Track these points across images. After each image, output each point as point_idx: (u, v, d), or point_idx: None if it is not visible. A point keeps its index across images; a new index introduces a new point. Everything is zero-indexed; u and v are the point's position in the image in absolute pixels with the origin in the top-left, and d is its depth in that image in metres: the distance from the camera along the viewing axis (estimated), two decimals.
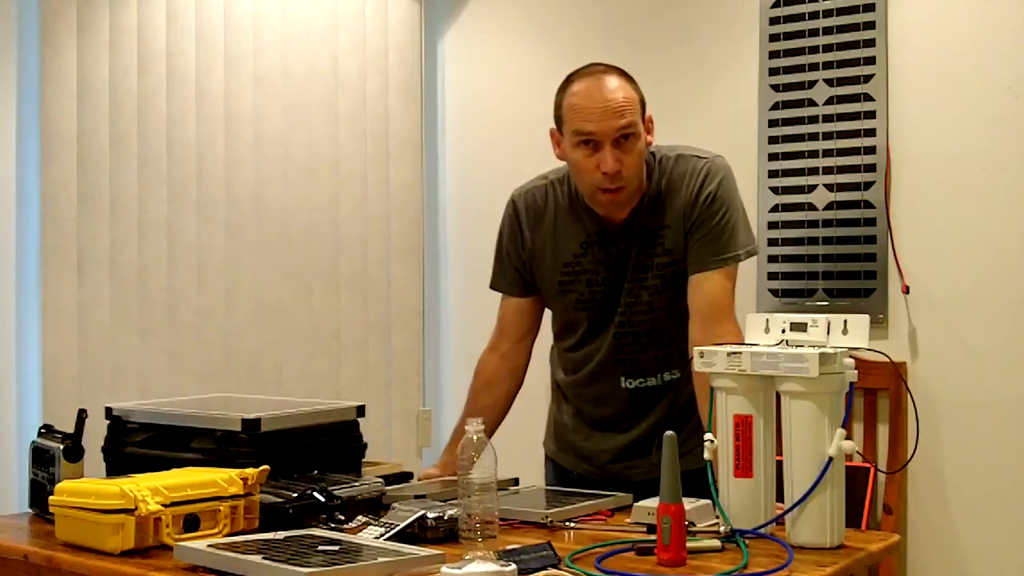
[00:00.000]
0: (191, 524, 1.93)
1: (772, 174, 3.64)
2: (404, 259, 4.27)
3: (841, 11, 3.53)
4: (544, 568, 1.73)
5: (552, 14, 4.20)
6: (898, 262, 3.44)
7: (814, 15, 3.57)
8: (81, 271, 3.61)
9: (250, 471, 2.01)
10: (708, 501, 2.04)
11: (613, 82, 2.35)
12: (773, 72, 3.65)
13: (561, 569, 1.74)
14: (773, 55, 3.65)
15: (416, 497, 2.13)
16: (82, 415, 2.26)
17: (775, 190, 3.64)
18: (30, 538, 2.08)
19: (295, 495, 2.05)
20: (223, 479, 1.98)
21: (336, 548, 1.79)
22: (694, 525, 1.96)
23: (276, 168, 4.00)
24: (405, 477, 2.42)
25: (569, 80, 2.40)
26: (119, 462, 2.30)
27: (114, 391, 3.60)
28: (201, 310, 3.83)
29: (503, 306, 2.63)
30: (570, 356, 2.57)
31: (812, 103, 3.57)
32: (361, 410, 2.39)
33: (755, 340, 2.05)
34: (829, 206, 3.55)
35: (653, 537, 1.83)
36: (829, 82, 3.54)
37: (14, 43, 3.59)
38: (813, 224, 3.57)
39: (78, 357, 3.59)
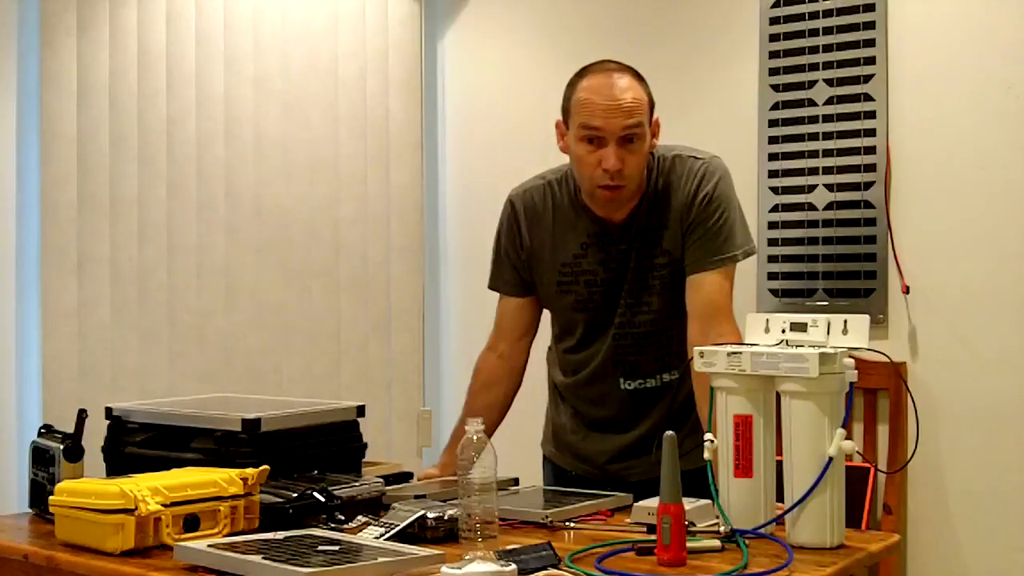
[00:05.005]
0: (191, 524, 1.93)
1: (772, 174, 3.64)
2: (404, 259, 4.27)
3: (841, 11, 3.53)
4: (544, 568, 1.73)
5: (552, 14, 4.20)
6: (898, 262, 3.44)
7: (814, 15, 3.57)
8: (81, 271, 3.61)
9: (250, 471, 2.01)
10: (708, 501, 2.04)
11: (624, 81, 2.34)
12: (773, 72, 3.65)
13: (561, 569, 1.74)
14: (773, 55, 3.65)
15: (416, 497, 2.13)
16: (82, 415, 2.26)
17: (775, 190, 3.64)
18: (30, 538, 2.08)
19: (295, 495, 2.05)
20: (223, 479, 1.98)
21: (336, 548, 1.79)
22: (694, 525, 1.96)
23: (276, 168, 4.00)
24: (405, 477, 2.42)
25: (581, 74, 2.39)
26: (119, 462, 2.30)
27: (114, 391, 3.60)
28: (201, 310, 3.83)
29: (501, 306, 2.63)
30: (569, 358, 2.57)
31: (812, 103, 3.57)
32: (361, 410, 2.39)
33: (755, 340, 2.05)
34: (829, 206, 3.55)
35: (653, 537, 1.83)
36: (829, 82, 3.54)
37: (14, 43, 3.59)
38: (813, 224, 3.58)
39: (78, 357, 3.60)
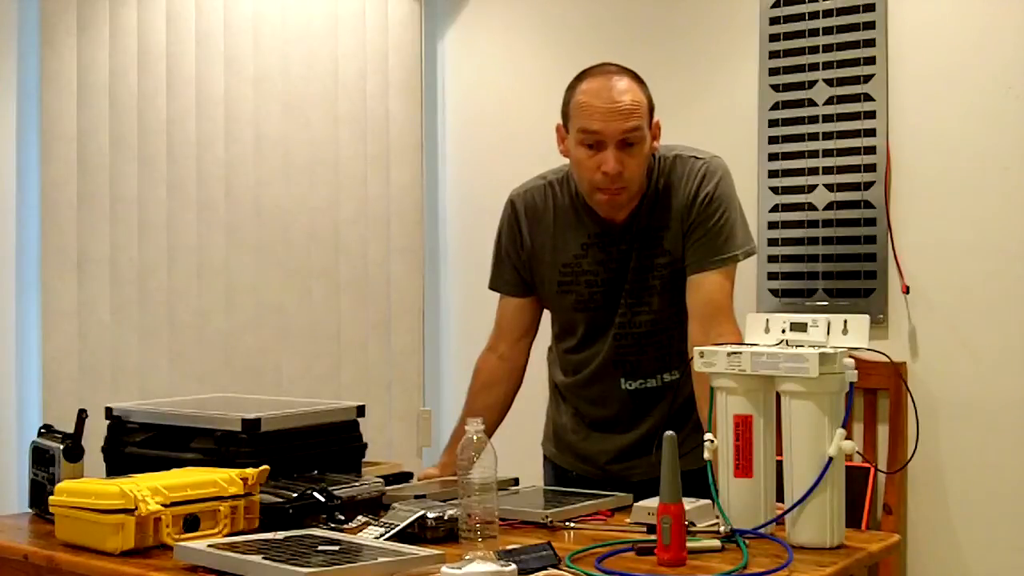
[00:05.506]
0: (191, 524, 1.93)
1: (772, 174, 3.64)
2: (404, 259, 4.26)
3: (841, 11, 3.53)
4: (544, 568, 1.73)
5: (553, 14, 4.20)
6: (898, 262, 3.44)
7: (814, 15, 3.57)
8: (81, 271, 3.61)
9: (250, 471, 2.01)
10: (708, 501, 2.04)
11: (623, 84, 2.34)
12: (773, 72, 3.64)
13: (561, 569, 1.74)
14: (773, 55, 3.65)
15: (416, 497, 2.13)
16: (82, 415, 2.26)
17: (775, 190, 3.64)
18: (30, 538, 2.08)
19: (295, 495, 2.05)
20: (223, 479, 1.98)
21: (336, 548, 1.79)
22: (694, 525, 1.96)
23: (276, 168, 4.00)
24: (405, 477, 2.42)
25: (580, 77, 2.39)
26: (119, 462, 2.30)
27: (114, 391, 3.60)
28: (201, 310, 3.83)
29: (501, 306, 2.63)
30: (570, 358, 2.57)
31: (812, 103, 3.57)
32: (361, 410, 2.39)
33: (755, 340, 2.05)
34: (829, 206, 3.55)
35: (653, 537, 1.83)
36: (829, 82, 3.54)
37: (14, 43, 3.59)
38: (813, 224, 3.57)
39: (78, 357, 3.60)
